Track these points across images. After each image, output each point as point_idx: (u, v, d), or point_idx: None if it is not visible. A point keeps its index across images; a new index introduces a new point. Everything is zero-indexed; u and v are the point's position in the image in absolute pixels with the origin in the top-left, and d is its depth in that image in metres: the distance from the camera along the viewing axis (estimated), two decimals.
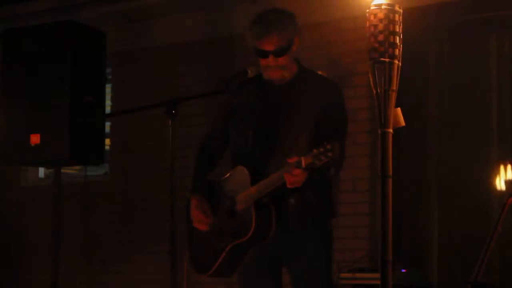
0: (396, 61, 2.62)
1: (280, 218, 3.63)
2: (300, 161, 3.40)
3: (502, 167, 4.16)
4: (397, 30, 2.63)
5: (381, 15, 2.61)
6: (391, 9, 2.61)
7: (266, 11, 3.79)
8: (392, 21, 2.62)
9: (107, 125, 6.78)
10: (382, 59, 2.60)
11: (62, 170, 5.55)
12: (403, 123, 2.83)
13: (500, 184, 4.27)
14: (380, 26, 2.61)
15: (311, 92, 3.73)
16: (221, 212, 3.76)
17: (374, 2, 2.63)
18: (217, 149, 3.95)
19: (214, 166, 3.95)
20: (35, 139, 5.27)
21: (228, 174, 3.80)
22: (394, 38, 2.62)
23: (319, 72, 3.88)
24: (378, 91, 2.62)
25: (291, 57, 3.75)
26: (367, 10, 2.64)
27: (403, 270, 5.25)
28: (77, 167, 7.06)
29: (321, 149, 3.37)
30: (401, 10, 2.64)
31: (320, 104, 3.68)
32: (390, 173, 2.60)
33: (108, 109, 6.75)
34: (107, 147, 6.51)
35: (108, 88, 6.59)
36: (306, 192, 3.65)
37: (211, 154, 3.95)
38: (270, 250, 3.73)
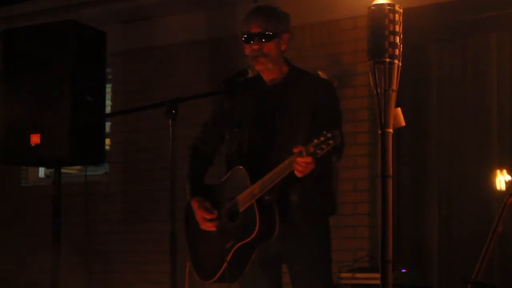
0: (396, 61, 2.62)
1: (282, 216, 3.61)
2: (302, 151, 3.40)
3: (498, 172, 4.16)
4: (397, 30, 2.63)
5: (381, 15, 2.61)
6: (391, 9, 2.62)
7: (263, 4, 3.90)
8: (392, 21, 2.62)
9: (107, 125, 6.78)
10: (382, 59, 2.61)
11: (62, 170, 5.55)
12: (403, 123, 2.83)
13: (500, 184, 4.27)
14: (380, 26, 2.61)
15: (305, 90, 3.74)
16: (223, 214, 3.73)
17: (374, 2, 2.63)
18: (209, 153, 3.95)
19: (207, 169, 3.95)
20: (35, 139, 5.26)
21: (226, 176, 3.77)
22: (394, 38, 2.62)
23: (319, 72, 3.89)
24: (378, 91, 2.62)
25: (279, 51, 3.75)
26: (367, 10, 2.64)
27: (403, 270, 5.25)
28: (77, 167, 7.06)
29: (322, 138, 3.36)
30: (401, 10, 2.64)
31: (313, 101, 3.69)
32: (390, 173, 2.60)
33: (108, 109, 6.75)
34: (107, 147, 6.51)
35: (108, 88, 6.59)
36: (308, 189, 3.64)
37: (204, 157, 3.94)
38: (271, 249, 3.71)
